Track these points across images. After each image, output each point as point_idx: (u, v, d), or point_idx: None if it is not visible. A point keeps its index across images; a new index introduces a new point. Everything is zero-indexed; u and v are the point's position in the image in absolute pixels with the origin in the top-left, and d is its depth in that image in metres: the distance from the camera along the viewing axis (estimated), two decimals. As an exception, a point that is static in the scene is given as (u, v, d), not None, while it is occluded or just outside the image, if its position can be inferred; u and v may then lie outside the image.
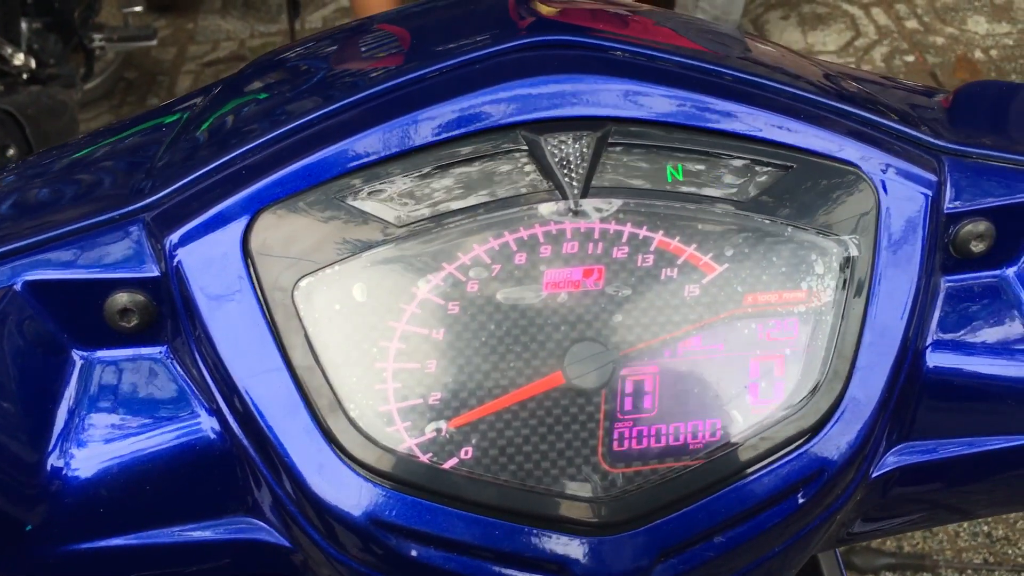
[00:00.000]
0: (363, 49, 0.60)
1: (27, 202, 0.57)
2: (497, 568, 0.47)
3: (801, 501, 0.49)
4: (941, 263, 0.54)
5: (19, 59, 2.51)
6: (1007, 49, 3.34)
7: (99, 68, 3.17)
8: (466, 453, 0.47)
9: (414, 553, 0.47)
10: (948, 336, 0.54)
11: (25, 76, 2.56)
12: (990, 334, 0.54)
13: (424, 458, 0.46)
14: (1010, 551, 2.16)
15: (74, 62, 2.90)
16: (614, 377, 0.48)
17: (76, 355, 0.51)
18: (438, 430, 0.47)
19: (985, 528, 2.18)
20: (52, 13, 2.75)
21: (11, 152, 2.18)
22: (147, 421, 0.50)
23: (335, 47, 0.63)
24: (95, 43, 2.98)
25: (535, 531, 0.46)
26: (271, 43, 3.60)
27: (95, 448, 0.50)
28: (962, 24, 3.45)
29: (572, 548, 0.46)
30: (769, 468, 0.48)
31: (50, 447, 0.49)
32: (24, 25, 2.63)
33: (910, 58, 3.33)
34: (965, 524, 2.18)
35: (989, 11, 3.50)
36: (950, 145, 0.54)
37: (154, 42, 3.12)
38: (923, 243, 0.51)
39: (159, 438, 0.50)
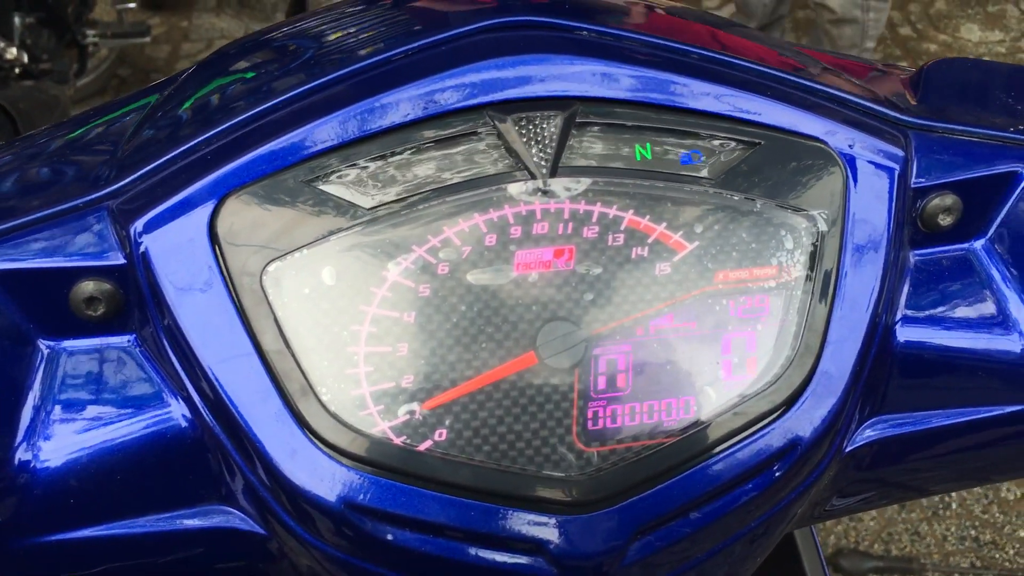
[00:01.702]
0: (329, 33, 0.60)
1: None
2: (473, 549, 0.47)
3: (775, 475, 0.49)
4: (909, 237, 0.54)
5: (11, 53, 2.50)
6: (1000, 56, 3.35)
7: (92, 64, 3.16)
8: (440, 435, 0.46)
9: (389, 536, 0.46)
10: (917, 311, 0.54)
11: (17, 71, 2.55)
12: (959, 307, 0.55)
13: (398, 441, 0.46)
14: (997, 555, 2.16)
15: (67, 58, 2.89)
16: (587, 356, 0.47)
17: (42, 345, 0.51)
18: (411, 412, 0.46)
19: (972, 532, 2.18)
20: (45, 8, 2.75)
21: (1, 145, 2.17)
22: (116, 411, 0.50)
23: (300, 32, 0.63)
24: (88, 39, 2.98)
25: (511, 511, 0.46)
26: (265, 42, 3.59)
27: (63, 439, 0.49)
28: (955, 31, 3.46)
29: (548, 528, 0.46)
30: (743, 443, 0.48)
31: (17, 439, 0.49)
32: (17, 20, 2.63)
33: (904, 64, 3.33)
34: (953, 528, 2.18)
35: (982, 19, 3.52)
36: (916, 120, 0.55)
37: (147, 39, 3.12)
38: (891, 217, 0.51)
39: (129, 427, 0.49)
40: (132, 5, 3.19)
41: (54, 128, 0.61)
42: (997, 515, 2.22)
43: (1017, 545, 2.17)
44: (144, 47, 3.50)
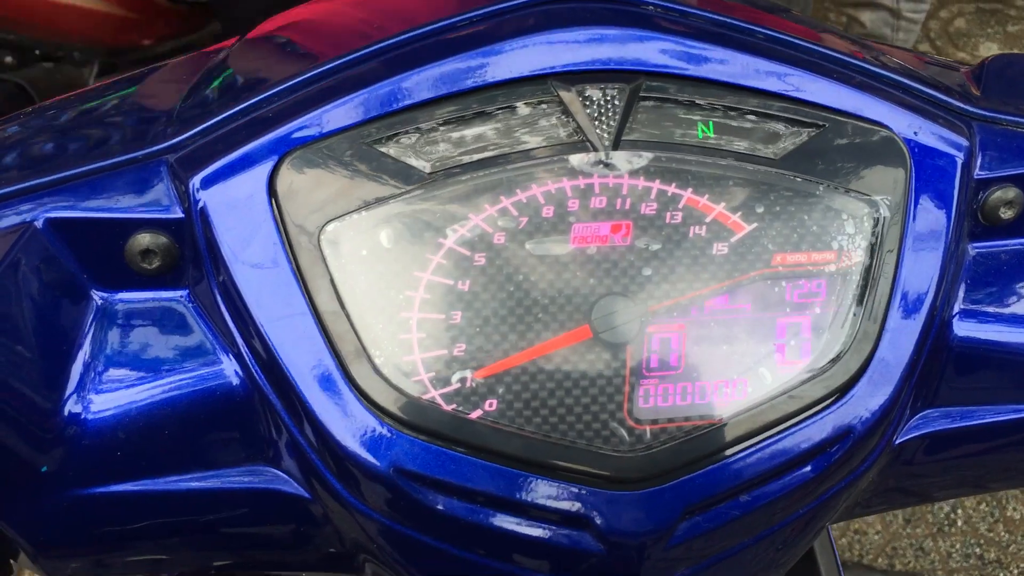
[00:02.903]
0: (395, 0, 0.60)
1: (47, 143, 0.56)
2: (519, 520, 0.46)
3: (828, 462, 0.48)
4: (969, 229, 0.53)
5: (33, 33, 2.50)
6: (1018, 76, 3.35)
7: (111, 49, 3.16)
8: (490, 405, 0.46)
9: (436, 503, 0.46)
10: (975, 304, 0.53)
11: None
12: (1017, 302, 0.54)
13: (448, 408, 0.46)
14: (1001, 574, 2.16)
15: (87, 42, 2.89)
16: (641, 333, 0.47)
17: (96, 297, 0.50)
18: (463, 381, 0.46)
19: (977, 550, 2.18)
20: (67, -9, 2.75)
21: (20, 125, 2.17)
22: (166, 366, 0.49)
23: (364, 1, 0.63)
24: (108, 23, 2.97)
25: (559, 484, 0.46)
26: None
27: (113, 392, 0.49)
28: (974, 50, 3.46)
29: (596, 502, 0.46)
30: (796, 428, 0.47)
31: (68, 390, 0.48)
32: (39, 1, 2.63)
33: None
34: (958, 545, 2.17)
35: (1002, 38, 3.51)
36: (981, 111, 0.54)
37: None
38: (953, 207, 0.51)
39: (178, 383, 0.49)
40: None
41: (109, 85, 0.61)
42: (1003, 534, 2.21)
43: (1022, 565, 2.17)
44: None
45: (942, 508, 2.27)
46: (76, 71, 2.70)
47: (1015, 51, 3.45)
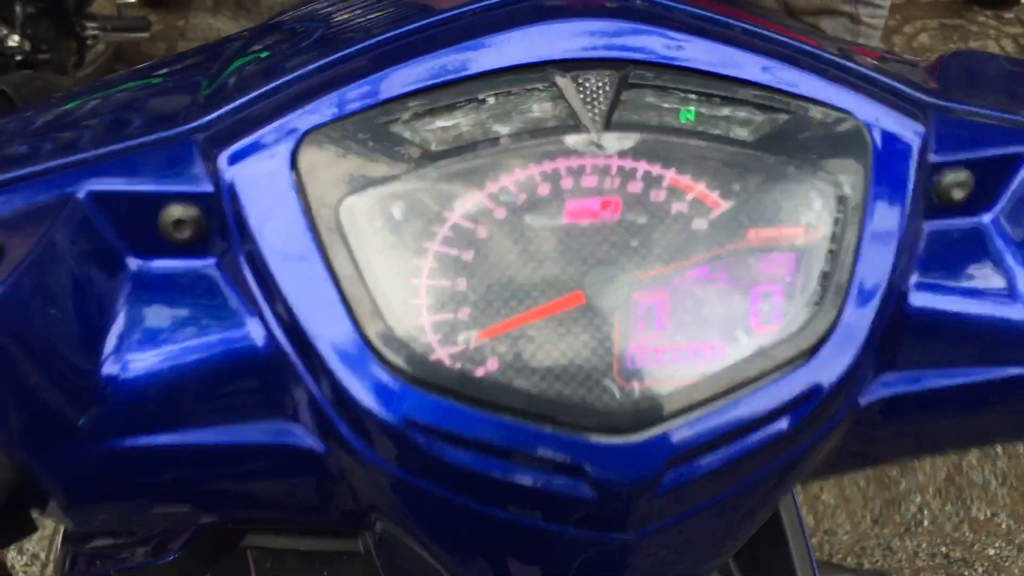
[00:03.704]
0: None
1: (86, 122, 0.60)
2: (518, 468, 0.50)
3: (799, 418, 0.52)
4: (924, 209, 0.58)
5: (14, 40, 2.53)
6: (981, 90, 3.42)
7: (90, 58, 3.17)
8: (492, 363, 0.50)
9: (443, 453, 0.50)
10: (929, 276, 0.58)
11: (18, 58, 2.57)
12: (968, 274, 0.59)
13: (455, 366, 0.49)
14: (966, 572, 2.20)
15: (66, 49, 2.91)
16: (628, 300, 0.51)
17: (131, 263, 0.54)
18: (467, 341, 0.50)
19: (943, 549, 2.22)
20: (47, -1, 2.77)
21: (1, 130, 2.18)
22: (195, 327, 0.53)
23: None
24: (88, 31, 2.99)
25: (555, 435, 0.49)
26: (261, 44, 3.61)
27: (147, 352, 0.52)
28: (938, 64, 3.53)
29: (588, 452, 0.49)
30: (769, 385, 0.51)
31: (106, 351, 0.52)
32: (19, 8, 2.65)
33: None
34: (924, 544, 2.22)
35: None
36: (936, 100, 0.59)
37: (147, 34, 3.14)
38: (910, 187, 0.55)
39: (207, 343, 0.53)
40: (133, 0, 3.22)
41: (139, 70, 0.65)
42: (967, 533, 2.26)
43: (986, 563, 2.21)
44: (140, 44, 3.51)
45: (909, 509, 2.31)
46: (56, 77, 2.72)
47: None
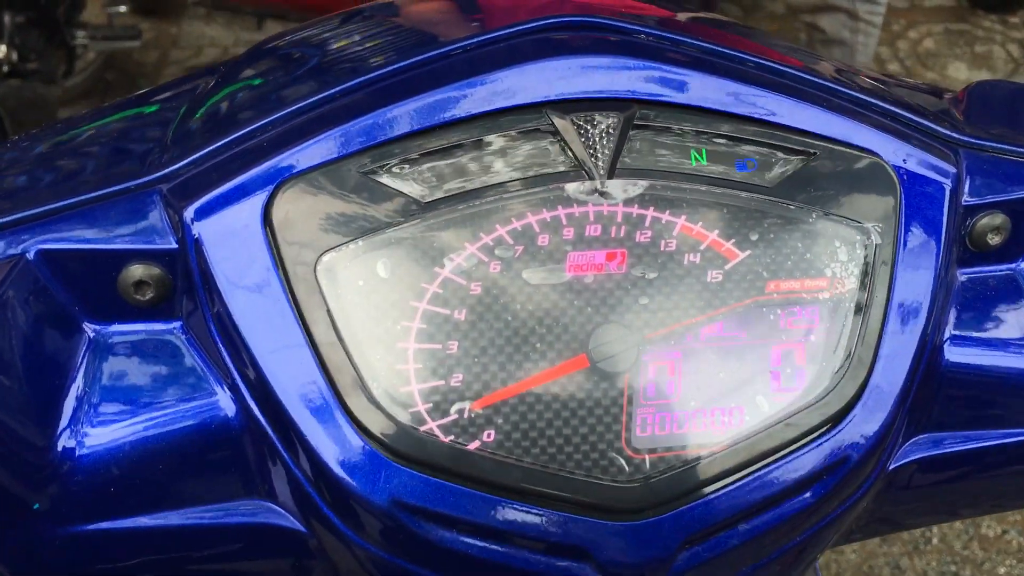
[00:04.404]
0: (387, 26, 0.60)
1: (38, 172, 0.55)
2: (520, 552, 0.46)
3: (824, 490, 0.48)
4: (957, 256, 0.54)
5: (1, 51, 2.49)
6: (986, 97, 3.39)
7: (80, 67, 3.14)
8: (488, 435, 0.46)
9: (434, 536, 0.46)
10: (965, 330, 0.54)
11: (6, 69, 2.54)
12: (1006, 328, 0.55)
13: (446, 439, 0.45)
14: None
15: (56, 58, 2.88)
16: (638, 362, 0.47)
17: (88, 329, 0.50)
18: (460, 411, 0.46)
19: (953, 568, 2.19)
20: (36, 8, 2.74)
21: (-11, 141, 2.15)
22: (161, 399, 0.49)
23: (357, 24, 0.63)
24: (78, 40, 2.96)
25: (559, 515, 0.45)
26: (256, 52, 3.59)
27: (107, 427, 0.48)
28: (943, 70, 3.50)
29: (595, 533, 0.46)
30: (793, 456, 0.47)
31: (61, 426, 0.48)
32: (7, 18, 2.62)
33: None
34: (933, 563, 2.19)
35: (970, 58, 3.56)
36: (967, 138, 0.55)
37: (138, 43, 3.11)
38: (943, 234, 0.51)
39: (172, 416, 0.48)
40: (123, 9, 3.18)
41: (95, 112, 0.60)
42: (977, 551, 2.23)
43: (996, 582, 2.18)
44: (132, 52, 3.48)
45: (917, 526, 2.28)
46: (44, 87, 2.69)
47: (983, 71, 3.49)
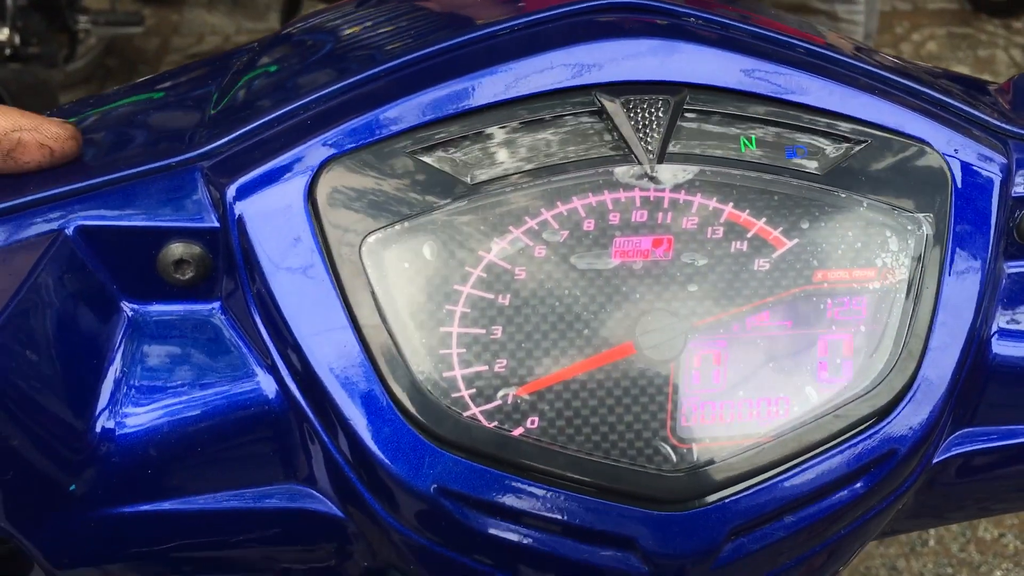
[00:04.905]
0: (433, 6, 0.59)
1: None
2: (562, 540, 0.45)
3: (872, 483, 0.48)
4: (1004, 248, 0.53)
5: (3, 34, 2.49)
6: (988, 100, 3.40)
7: (81, 52, 3.13)
8: (532, 422, 0.45)
9: (477, 523, 0.45)
10: (1012, 323, 0.53)
11: (8, 52, 2.53)
12: None
13: (490, 425, 0.45)
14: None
15: (57, 43, 2.86)
16: (684, 350, 0.46)
17: (126, 308, 0.49)
18: (504, 397, 0.45)
19: (949, 570, 2.19)
20: (39, -8, 2.73)
21: (-10, 126, 2.13)
22: (199, 380, 0.48)
23: (401, 3, 0.62)
24: (80, 25, 2.95)
25: (603, 504, 0.45)
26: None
27: (145, 408, 0.47)
28: (945, 73, 3.50)
29: (640, 523, 0.45)
30: (841, 447, 0.47)
31: (99, 407, 0.47)
32: (10, 2, 2.60)
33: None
34: (930, 565, 2.18)
35: (972, 62, 3.56)
36: (1017, 129, 0.54)
37: (140, 29, 3.09)
38: (993, 225, 0.50)
39: (211, 398, 0.48)
40: (125, -6, 3.17)
41: (136, 86, 0.59)
42: (974, 554, 2.23)
43: (992, 584, 2.18)
44: (133, 38, 3.47)
45: (914, 528, 2.28)
46: (46, 71, 2.68)
47: (986, 75, 3.49)
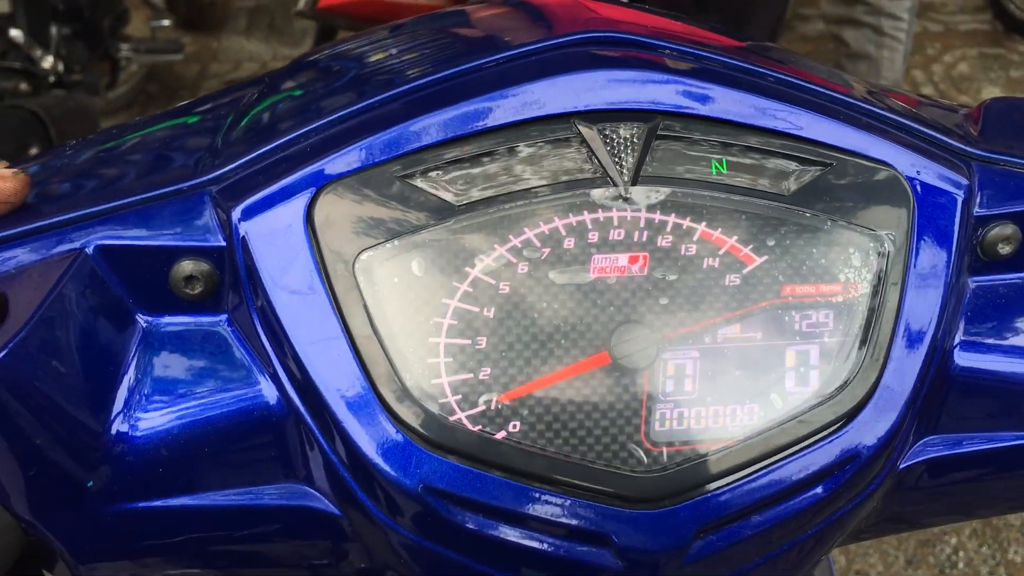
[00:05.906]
0: (424, 40, 0.63)
1: (96, 173, 0.59)
2: (543, 537, 0.48)
3: (834, 486, 0.50)
4: (969, 264, 0.56)
5: (47, 62, 2.55)
6: (1020, 122, 3.37)
7: (123, 79, 3.21)
8: (514, 426, 0.48)
9: (462, 520, 0.48)
10: (975, 336, 0.55)
11: (52, 79, 2.60)
12: (1015, 334, 0.56)
13: (474, 429, 0.48)
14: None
15: (99, 70, 2.94)
16: (657, 359, 0.49)
17: (141, 320, 0.53)
18: (488, 403, 0.48)
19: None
20: (82, 20, 2.80)
21: (33, 151, 2.20)
22: (207, 386, 0.52)
23: (396, 39, 0.66)
24: (122, 53, 3.03)
25: (580, 502, 0.48)
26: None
27: (157, 412, 0.51)
28: (977, 94, 3.49)
29: (615, 521, 0.48)
30: (805, 451, 0.49)
31: (115, 410, 0.51)
32: (54, 30, 2.68)
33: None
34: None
35: (1004, 83, 3.55)
36: (980, 152, 0.57)
37: (180, 56, 3.16)
38: (954, 243, 0.53)
39: (218, 403, 0.51)
40: (166, 23, 3.25)
41: (146, 120, 0.63)
42: None
43: (1022, 607, 2.16)
44: (173, 65, 3.55)
45: (944, 550, 2.27)
46: (88, 98, 2.75)
47: (1017, 95, 3.47)
